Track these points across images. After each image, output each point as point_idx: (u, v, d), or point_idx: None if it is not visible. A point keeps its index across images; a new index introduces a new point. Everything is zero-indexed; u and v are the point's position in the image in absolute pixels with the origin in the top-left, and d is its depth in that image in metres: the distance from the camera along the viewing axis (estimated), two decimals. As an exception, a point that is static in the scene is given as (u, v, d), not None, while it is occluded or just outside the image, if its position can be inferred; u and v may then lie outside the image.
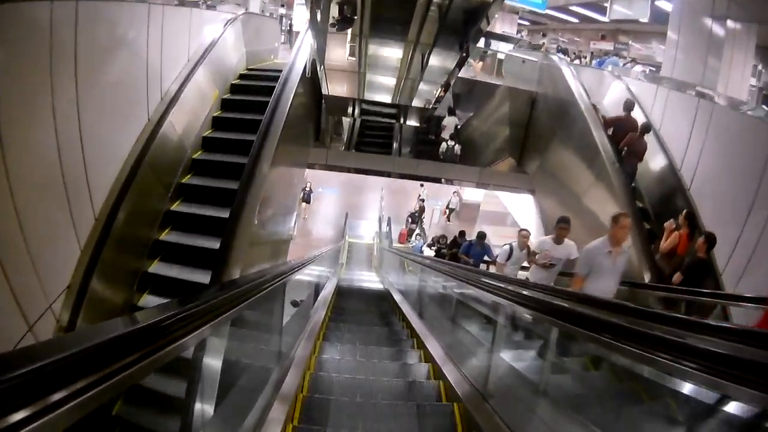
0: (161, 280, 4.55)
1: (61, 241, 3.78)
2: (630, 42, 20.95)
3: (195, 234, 4.72)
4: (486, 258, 7.14)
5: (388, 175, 9.89)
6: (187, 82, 5.55)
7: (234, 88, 6.84)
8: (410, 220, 16.04)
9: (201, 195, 5.11)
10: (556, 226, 4.84)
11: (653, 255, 5.28)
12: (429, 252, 9.32)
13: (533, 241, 5.69)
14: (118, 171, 4.47)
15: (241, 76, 7.15)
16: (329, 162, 8.82)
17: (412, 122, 9.36)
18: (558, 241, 4.80)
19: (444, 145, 9.51)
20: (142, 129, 4.87)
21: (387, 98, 7.70)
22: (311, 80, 7.32)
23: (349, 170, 10.07)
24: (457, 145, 9.52)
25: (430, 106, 7.69)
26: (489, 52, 13.01)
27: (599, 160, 6.74)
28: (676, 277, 4.49)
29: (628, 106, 6.85)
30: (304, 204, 15.84)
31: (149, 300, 4.56)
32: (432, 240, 10.99)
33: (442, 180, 10.79)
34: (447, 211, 18.41)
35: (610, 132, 6.79)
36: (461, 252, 7.16)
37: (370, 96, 7.71)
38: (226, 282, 2.29)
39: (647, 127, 6.33)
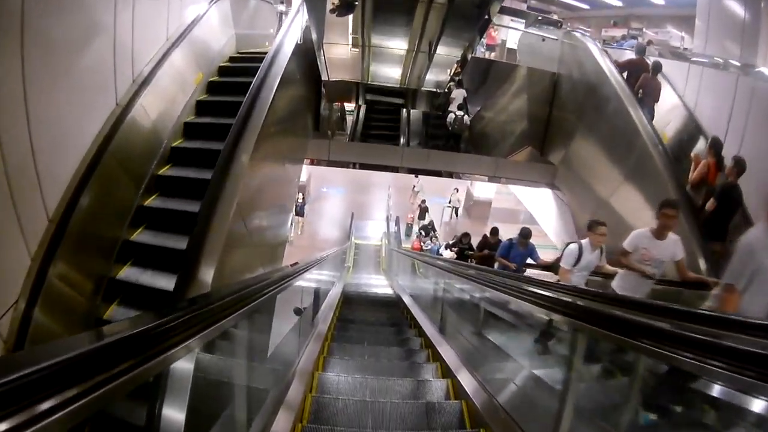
0: (132, 289, 3.80)
1: (6, 249, 3.18)
2: (644, 28, 20.09)
3: (173, 233, 3.97)
4: (530, 261, 5.88)
5: (395, 170, 9.05)
6: (163, 63, 4.83)
7: (222, 71, 6.09)
8: (423, 233, 14.49)
9: (180, 188, 4.35)
10: (658, 212, 3.49)
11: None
12: (448, 254, 8.33)
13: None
14: (77, 163, 3.78)
15: (231, 59, 6.39)
16: (332, 156, 8.01)
17: (422, 108, 8.55)
18: (660, 234, 3.45)
19: (452, 115, 8.71)
20: (108, 115, 4.17)
21: (395, 79, 6.87)
22: (308, 65, 6.54)
23: (354, 165, 9.22)
24: (465, 116, 8.84)
25: (444, 88, 6.86)
26: (501, 37, 12.08)
27: (639, 143, 5.91)
28: (710, 204, 4.50)
29: (640, 49, 7.13)
30: (297, 218, 14.06)
31: (118, 312, 3.82)
32: (453, 239, 9.51)
33: (453, 175, 9.95)
34: (449, 208, 17.50)
35: (624, 75, 6.85)
36: (499, 254, 5.90)
37: (375, 78, 6.91)
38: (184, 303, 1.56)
39: (658, 66, 6.45)
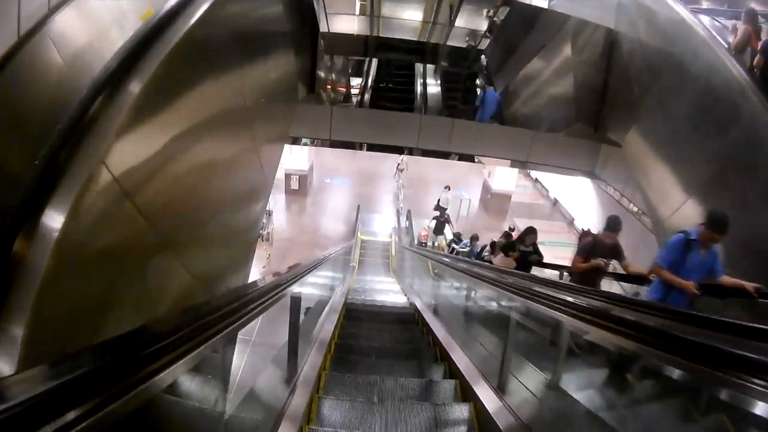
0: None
1: None
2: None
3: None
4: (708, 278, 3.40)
5: (410, 152, 7.48)
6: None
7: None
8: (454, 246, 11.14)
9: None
10: None
11: None
12: (498, 260, 6.43)
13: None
14: None
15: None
16: (336, 133, 6.35)
17: (445, 63, 6.94)
18: None
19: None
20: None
21: (412, 29, 5.31)
22: (299, 11, 4.97)
23: (360, 146, 7.61)
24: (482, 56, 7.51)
25: (479, 38, 5.26)
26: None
27: (747, 108, 4.33)
28: (757, 60, 4.53)
29: None
30: (265, 243, 10.03)
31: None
32: (504, 238, 6.68)
33: (475, 158, 8.35)
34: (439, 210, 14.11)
35: None
36: (663, 262, 3.43)
37: (388, 28, 5.34)
38: None
39: None
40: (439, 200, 13.99)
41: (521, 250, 5.72)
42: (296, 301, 2.36)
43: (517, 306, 2.51)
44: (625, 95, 6.38)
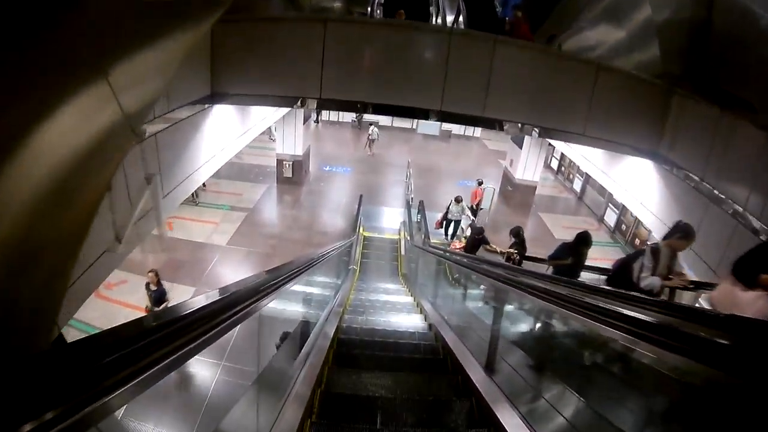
0: None
1: None
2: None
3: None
4: None
5: (425, 115, 5.39)
6: None
7: None
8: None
9: None
10: None
11: None
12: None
13: None
14: None
15: None
16: (327, 80, 4.26)
17: None
18: None
19: None
20: None
21: None
22: None
23: (365, 108, 5.50)
24: None
25: None
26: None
27: None
28: None
29: None
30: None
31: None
32: (684, 237, 3.75)
33: (504, 126, 6.25)
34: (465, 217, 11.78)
35: None
36: None
37: None
38: None
39: None
40: (447, 212, 11.38)
41: None
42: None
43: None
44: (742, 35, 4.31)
